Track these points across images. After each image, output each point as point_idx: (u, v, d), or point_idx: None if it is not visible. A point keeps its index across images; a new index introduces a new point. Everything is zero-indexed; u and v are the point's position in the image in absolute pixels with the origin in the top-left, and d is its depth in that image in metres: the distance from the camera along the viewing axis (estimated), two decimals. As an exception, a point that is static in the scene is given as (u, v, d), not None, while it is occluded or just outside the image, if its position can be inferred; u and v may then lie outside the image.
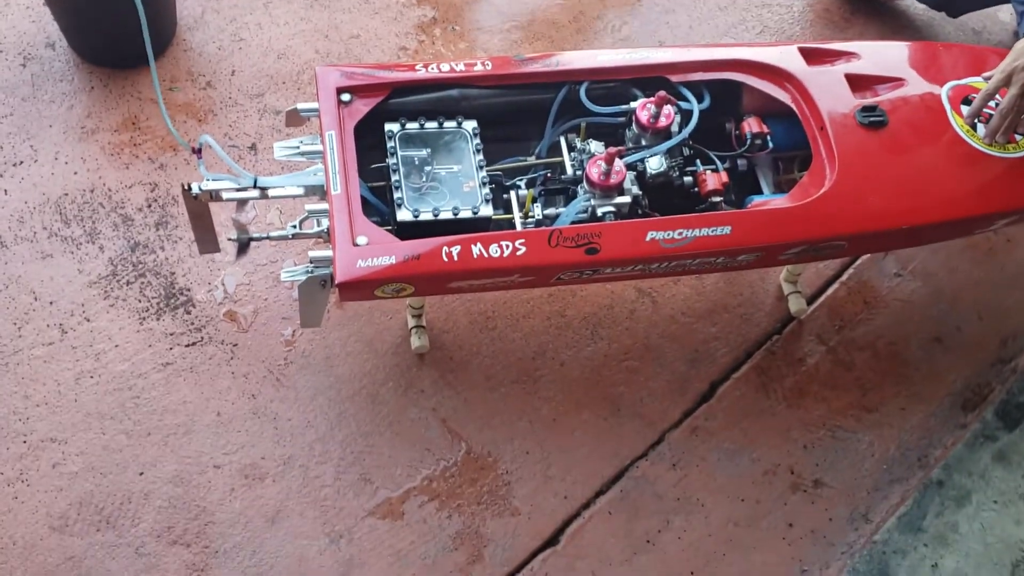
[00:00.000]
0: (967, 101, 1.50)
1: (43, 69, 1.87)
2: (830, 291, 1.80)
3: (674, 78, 1.50)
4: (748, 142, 1.48)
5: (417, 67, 1.46)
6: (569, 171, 1.45)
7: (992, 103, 1.46)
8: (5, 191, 1.73)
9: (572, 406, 1.63)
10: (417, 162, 1.42)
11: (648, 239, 1.34)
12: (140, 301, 1.64)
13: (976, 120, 1.48)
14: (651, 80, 1.50)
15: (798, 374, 1.70)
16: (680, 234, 1.34)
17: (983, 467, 1.63)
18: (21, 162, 1.76)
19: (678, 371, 1.68)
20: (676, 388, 1.66)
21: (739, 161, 1.50)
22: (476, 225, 1.38)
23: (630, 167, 1.43)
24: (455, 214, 1.37)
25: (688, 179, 1.46)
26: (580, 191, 1.42)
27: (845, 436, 1.65)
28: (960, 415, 1.69)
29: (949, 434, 1.67)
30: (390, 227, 1.37)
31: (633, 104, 1.47)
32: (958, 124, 1.48)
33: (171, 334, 1.62)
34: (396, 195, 1.38)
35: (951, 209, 1.43)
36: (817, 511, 1.58)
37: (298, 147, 1.43)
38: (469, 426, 1.60)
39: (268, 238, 1.43)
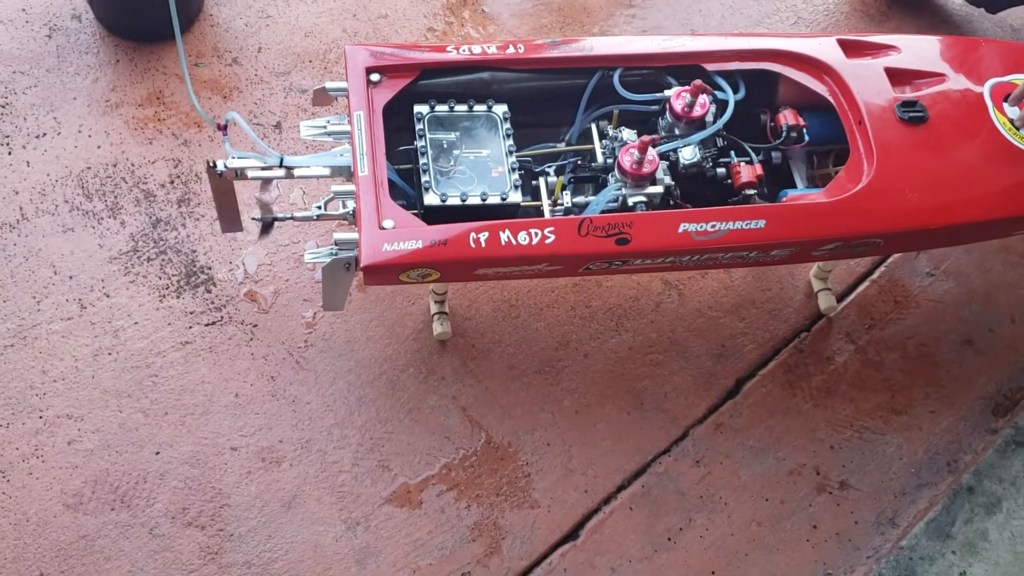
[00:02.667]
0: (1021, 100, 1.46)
1: (69, 41, 1.85)
2: (860, 289, 1.76)
3: (710, 67, 1.47)
4: (784, 134, 1.45)
5: (448, 48, 1.43)
6: (600, 159, 1.42)
7: None
8: (28, 163, 1.71)
9: (595, 398, 1.60)
10: (446, 145, 1.39)
11: (680, 231, 1.31)
12: (160, 278, 1.62)
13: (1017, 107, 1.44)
14: (686, 68, 1.47)
15: (826, 373, 1.67)
16: (713, 226, 1.31)
17: (1014, 474, 1.59)
18: (44, 134, 1.74)
19: (704, 366, 1.65)
20: (701, 383, 1.63)
21: (773, 154, 1.46)
22: (504, 211, 1.35)
23: (663, 157, 1.40)
24: (483, 199, 1.34)
25: (721, 170, 1.42)
26: (611, 179, 1.39)
27: (873, 438, 1.62)
28: (991, 420, 1.66)
29: (980, 439, 1.64)
30: (416, 211, 1.34)
31: (667, 92, 1.44)
32: (1000, 122, 1.44)
33: (191, 312, 1.60)
34: (424, 178, 1.35)
35: (992, 209, 1.40)
36: (843, 513, 1.55)
37: (325, 127, 1.40)
38: (490, 415, 1.57)
39: (292, 218, 1.42)
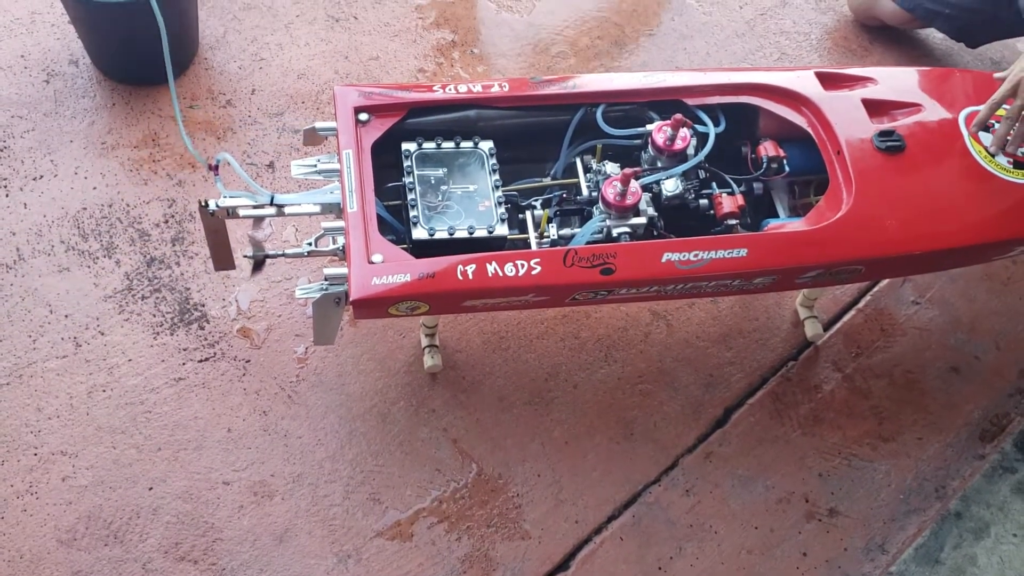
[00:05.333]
0: (985, 127, 1.50)
1: (66, 85, 1.89)
2: (847, 318, 1.78)
3: (690, 101, 1.50)
4: (764, 165, 1.48)
5: (434, 87, 1.47)
6: (585, 192, 1.45)
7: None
8: (25, 205, 1.74)
9: (585, 429, 1.62)
10: (433, 181, 1.42)
11: (664, 260, 1.33)
12: (154, 316, 1.65)
13: (987, 128, 1.47)
14: (668, 103, 1.50)
15: (814, 401, 1.68)
16: (696, 256, 1.34)
17: (1002, 499, 1.60)
18: (41, 176, 1.77)
19: (692, 396, 1.66)
20: (690, 413, 1.65)
21: (755, 184, 1.49)
22: (491, 244, 1.38)
23: (646, 189, 1.43)
24: (470, 233, 1.37)
25: (704, 201, 1.45)
26: (595, 212, 1.42)
27: (861, 465, 1.63)
28: (978, 446, 1.67)
29: (967, 465, 1.65)
30: (405, 245, 1.37)
31: (649, 127, 1.47)
32: (975, 149, 1.48)
33: (184, 349, 1.62)
34: (412, 214, 1.38)
35: (968, 235, 1.42)
36: (832, 540, 1.56)
37: (315, 165, 1.43)
38: (480, 447, 1.58)
39: (283, 255, 1.44)
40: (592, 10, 2.19)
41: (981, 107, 1.48)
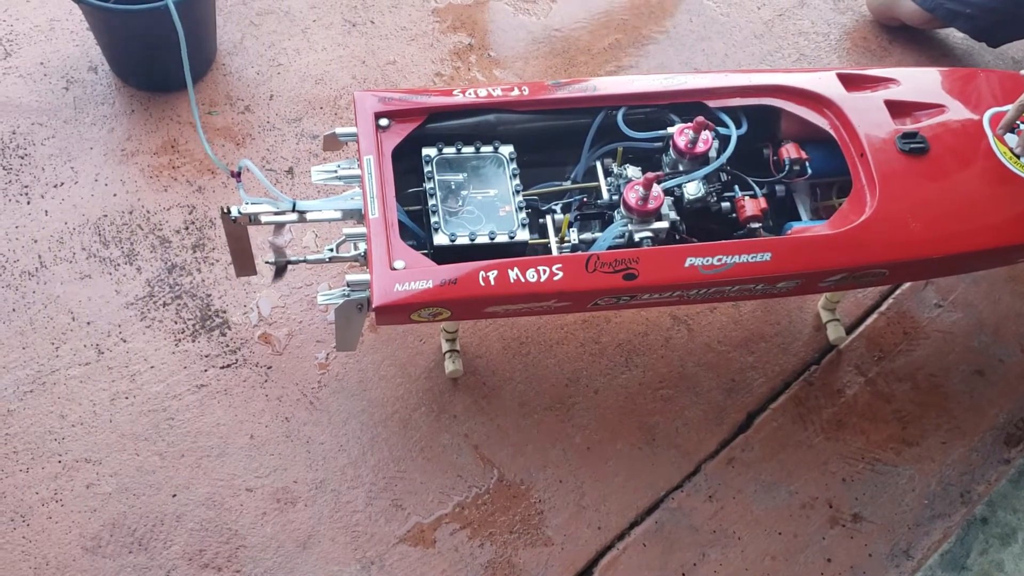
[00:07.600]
0: (1011, 128, 1.48)
1: (85, 92, 1.89)
2: (869, 321, 1.77)
3: (712, 103, 1.49)
4: (787, 168, 1.47)
5: (454, 92, 1.46)
6: (605, 196, 1.44)
7: None
8: (46, 212, 1.75)
9: (606, 435, 1.61)
10: (454, 186, 1.42)
11: (687, 265, 1.32)
12: (176, 323, 1.65)
13: (1013, 130, 1.46)
14: (688, 105, 1.50)
15: (836, 405, 1.67)
16: (719, 260, 1.33)
17: (1029, 504, 1.59)
18: (62, 183, 1.78)
19: (714, 401, 1.66)
20: (712, 418, 1.64)
21: (777, 187, 1.48)
22: (512, 250, 1.37)
23: (667, 192, 1.42)
24: (491, 238, 1.36)
25: (726, 205, 1.44)
26: (617, 216, 1.41)
27: (885, 470, 1.61)
28: (1003, 450, 1.66)
29: (992, 469, 1.64)
30: (426, 251, 1.37)
31: (670, 129, 1.47)
32: (1000, 151, 1.46)
33: (206, 356, 1.62)
34: (433, 219, 1.38)
35: (994, 237, 1.41)
36: (856, 546, 1.55)
37: (336, 171, 1.43)
38: (501, 453, 1.58)
39: (305, 261, 1.44)
40: (609, 11, 2.18)
41: (1007, 107, 1.47)
